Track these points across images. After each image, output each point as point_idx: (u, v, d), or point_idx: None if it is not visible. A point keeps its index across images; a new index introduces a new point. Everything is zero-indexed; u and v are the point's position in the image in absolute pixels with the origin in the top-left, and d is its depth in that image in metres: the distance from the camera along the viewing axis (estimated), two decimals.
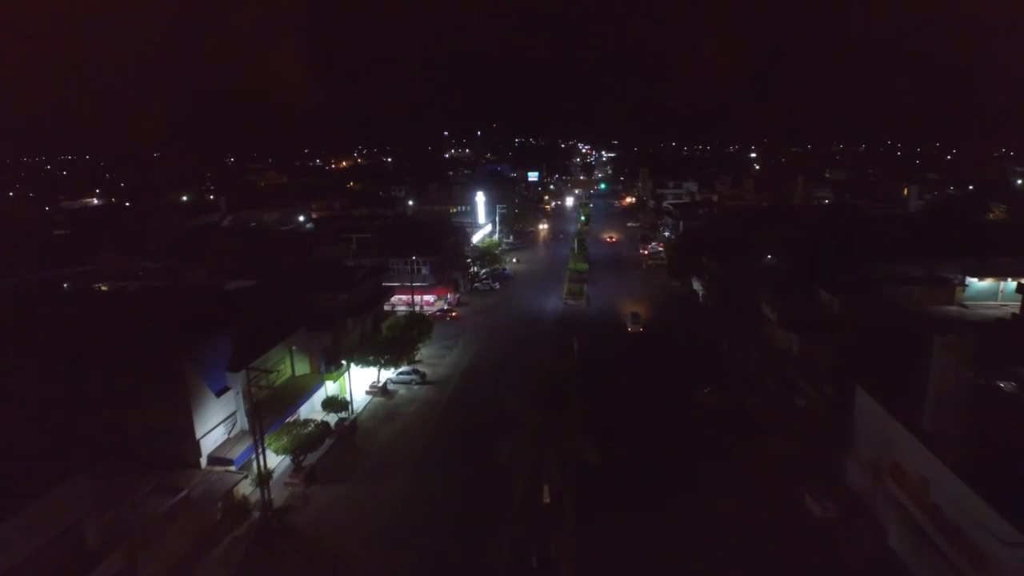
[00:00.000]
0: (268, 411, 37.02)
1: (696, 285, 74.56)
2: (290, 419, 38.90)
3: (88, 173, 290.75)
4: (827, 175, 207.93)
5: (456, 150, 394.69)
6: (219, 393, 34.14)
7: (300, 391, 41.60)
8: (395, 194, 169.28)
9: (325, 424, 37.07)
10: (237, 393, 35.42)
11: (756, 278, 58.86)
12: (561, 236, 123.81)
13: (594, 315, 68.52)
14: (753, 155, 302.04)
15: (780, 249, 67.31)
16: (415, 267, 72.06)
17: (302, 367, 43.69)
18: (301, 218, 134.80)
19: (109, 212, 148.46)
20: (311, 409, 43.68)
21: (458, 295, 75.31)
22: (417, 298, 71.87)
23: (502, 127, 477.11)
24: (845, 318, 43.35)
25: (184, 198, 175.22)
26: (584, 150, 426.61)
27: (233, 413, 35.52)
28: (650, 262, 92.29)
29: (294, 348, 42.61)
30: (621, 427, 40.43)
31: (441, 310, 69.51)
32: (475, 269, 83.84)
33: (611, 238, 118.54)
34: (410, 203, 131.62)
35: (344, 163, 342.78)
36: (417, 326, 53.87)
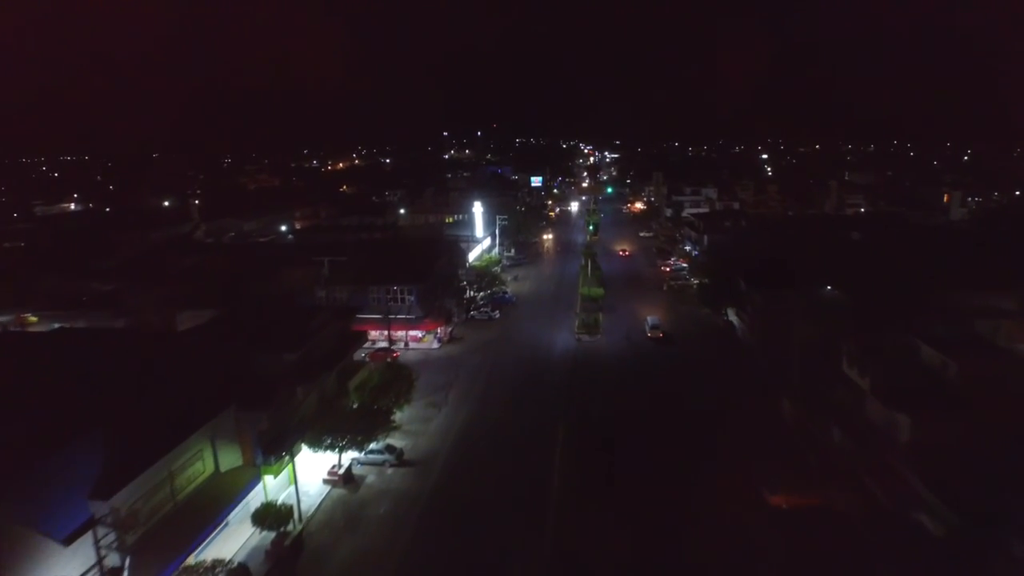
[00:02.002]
0: (170, 538, 25.69)
1: (732, 316, 63.00)
2: (200, 548, 27.41)
3: (81, 175, 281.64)
4: (847, 177, 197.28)
5: (456, 151, 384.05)
6: (70, 538, 22.53)
7: (224, 498, 29.97)
8: (389, 199, 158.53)
9: (243, 571, 25.38)
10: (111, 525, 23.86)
11: (818, 317, 47.30)
12: (568, 247, 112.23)
13: (615, 354, 56.83)
14: (764, 156, 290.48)
15: (839, 275, 55.78)
16: (399, 297, 60.59)
17: (231, 458, 32.12)
18: (283, 228, 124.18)
19: (74, 220, 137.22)
20: (246, 512, 32.14)
21: (450, 328, 63.68)
22: (401, 333, 60.69)
23: (503, 127, 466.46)
24: (971, 391, 31.75)
25: (166, 203, 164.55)
26: (586, 151, 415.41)
27: (102, 560, 23.94)
28: (672, 282, 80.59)
29: (217, 436, 31.03)
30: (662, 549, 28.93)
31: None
32: (472, 293, 72.26)
33: (624, 251, 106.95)
34: (402, 211, 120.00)
35: (341, 164, 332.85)
36: (396, 384, 42.42)
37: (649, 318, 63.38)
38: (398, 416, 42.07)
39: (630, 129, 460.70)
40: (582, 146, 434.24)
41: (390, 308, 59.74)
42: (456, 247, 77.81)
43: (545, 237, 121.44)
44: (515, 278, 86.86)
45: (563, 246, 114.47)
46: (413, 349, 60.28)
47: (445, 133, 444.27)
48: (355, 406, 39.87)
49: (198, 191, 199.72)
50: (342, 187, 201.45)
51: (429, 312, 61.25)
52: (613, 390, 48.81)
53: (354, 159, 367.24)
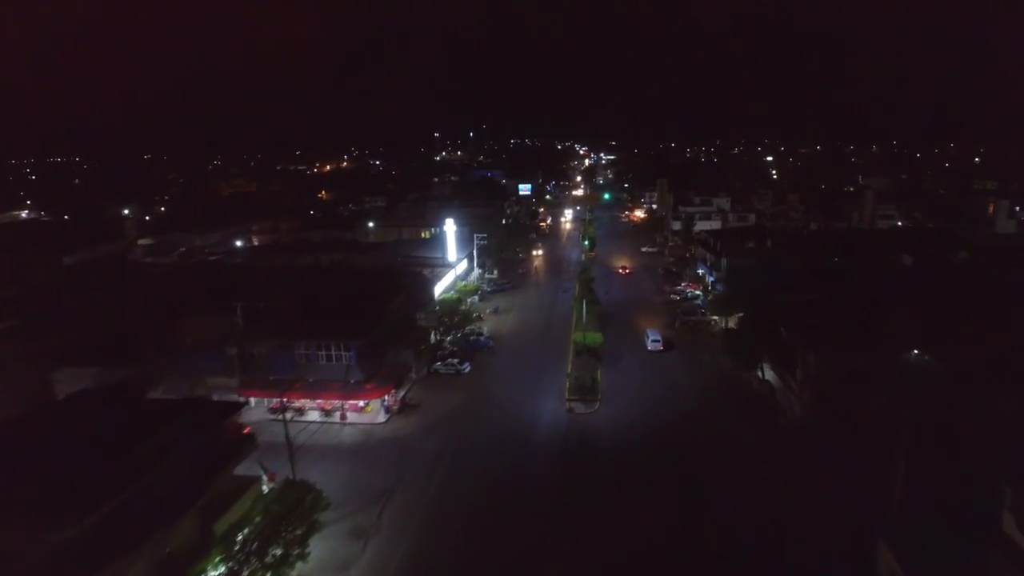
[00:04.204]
0: None
1: (770, 372, 48.66)
2: None
3: (61, 178, 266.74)
4: (861, 181, 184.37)
5: (448, 152, 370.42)
6: None
7: None
8: (368, 205, 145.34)
9: None
10: None
11: (910, 401, 32.90)
12: (561, 266, 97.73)
13: (621, 435, 42.28)
14: (769, 158, 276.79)
15: (909, 321, 41.52)
16: (333, 355, 46.04)
17: None
18: (239, 243, 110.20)
19: (9, 233, 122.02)
20: None
21: (403, 393, 49.06)
22: (337, 402, 46.18)
23: (498, 128, 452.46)
24: None
25: (126, 211, 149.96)
26: (582, 152, 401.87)
27: None
28: (686, 318, 66.10)
29: None
30: None
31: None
32: (437, 337, 57.71)
33: (624, 269, 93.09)
34: (371, 225, 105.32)
35: (328, 167, 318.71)
36: (294, 518, 27.88)
37: (649, 331, 60.65)
38: (298, 568, 27.63)
39: (626, 129, 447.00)
40: (577, 147, 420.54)
41: (308, 370, 45.28)
42: (419, 278, 63.05)
43: (535, 253, 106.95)
44: (495, 310, 72.27)
45: (556, 264, 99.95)
46: (351, 424, 45.69)
47: (436, 134, 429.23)
48: (219, 573, 25.39)
49: (166, 197, 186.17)
50: (321, 192, 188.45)
51: (374, 374, 46.66)
52: (623, 511, 34.19)
53: (343, 161, 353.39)
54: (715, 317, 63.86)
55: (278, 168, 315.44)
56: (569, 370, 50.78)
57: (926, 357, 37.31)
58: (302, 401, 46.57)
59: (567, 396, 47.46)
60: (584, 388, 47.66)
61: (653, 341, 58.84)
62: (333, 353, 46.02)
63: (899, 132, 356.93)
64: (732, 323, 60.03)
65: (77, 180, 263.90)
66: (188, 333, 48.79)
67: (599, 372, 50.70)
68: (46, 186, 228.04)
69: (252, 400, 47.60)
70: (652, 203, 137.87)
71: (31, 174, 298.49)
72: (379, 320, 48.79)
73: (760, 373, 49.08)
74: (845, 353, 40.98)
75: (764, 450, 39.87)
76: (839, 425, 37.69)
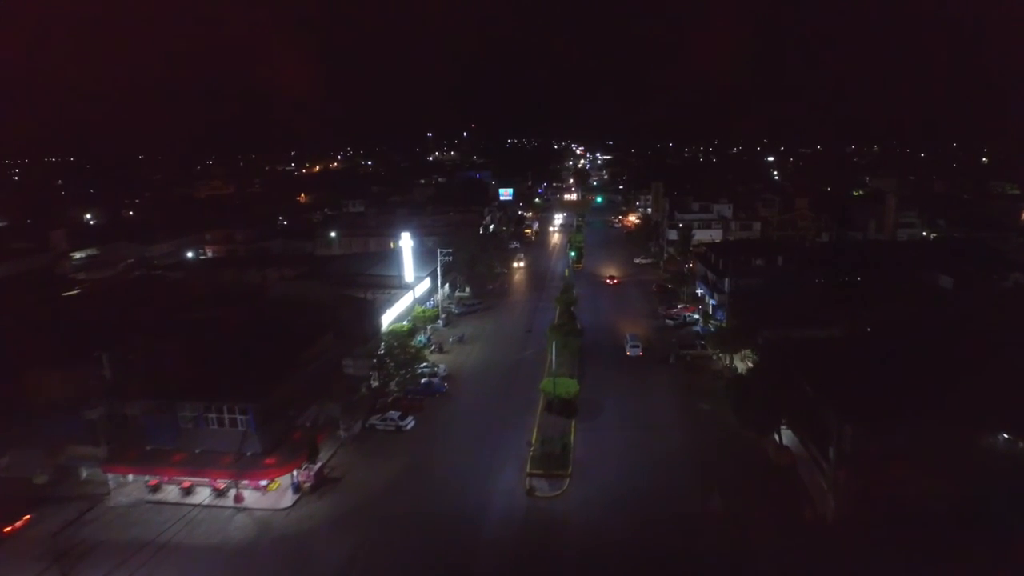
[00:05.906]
0: None
1: (788, 437, 38.23)
2: None
3: (45, 180, 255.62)
4: (868, 182, 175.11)
5: (443, 152, 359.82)
6: None
7: None
8: (347, 209, 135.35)
9: None
10: None
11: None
12: (545, 281, 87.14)
13: (596, 539, 31.82)
14: (771, 159, 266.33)
15: (964, 375, 31.04)
16: (226, 419, 35.56)
17: None
18: (190, 254, 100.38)
19: None
20: None
21: (319, 464, 38.33)
22: (232, 480, 35.61)
23: (494, 128, 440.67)
24: None
25: (88, 216, 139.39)
26: (578, 151, 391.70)
27: None
28: (683, 352, 55.53)
29: None
30: None
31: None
32: (378, 381, 47.05)
33: (612, 279, 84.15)
34: (332, 235, 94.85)
35: (318, 167, 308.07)
36: None
37: (629, 335, 58.95)
38: None
39: (623, 129, 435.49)
40: (574, 147, 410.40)
41: (205, 439, 34.70)
42: (361, 306, 52.43)
43: (516, 265, 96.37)
44: (460, 339, 61.66)
45: (539, 279, 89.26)
46: (247, 509, 35.12)
47: (429, 134, 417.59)
48: None
49: (137, 201, 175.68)
50: (301, 195, 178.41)
51: (280, 442, 36.13)
52: None
53: (335, 161, 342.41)
54: (716, 354, 53.43)
55: (266, 168, 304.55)
56: (533, 437, 40.03)
57: (1016, 441, 26.90)
58: (187, 478, 36.23)
59: (529, 470, 36.89)
60: (551, 459, 37.10)
61: (632, 346, 56.98)
62: (226, 417, 35.57)
63: (899, 131, 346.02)
64: (738, 361, 49.72)
65: (60, 181, 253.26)
66: (47, 387, 38.37)
67: (572, 435, 40.16)
68: (27, 188, 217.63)
69: (131, 476, 37.42)
70: (647, 208, 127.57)
71: (17, 175, 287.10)
72: (291, 371, 38.30)
73: (777, 437, 38.56)
74: (895, 425, 30.66)
75: (788, 558, 29.37)
76: (888, 526, 27.42)
